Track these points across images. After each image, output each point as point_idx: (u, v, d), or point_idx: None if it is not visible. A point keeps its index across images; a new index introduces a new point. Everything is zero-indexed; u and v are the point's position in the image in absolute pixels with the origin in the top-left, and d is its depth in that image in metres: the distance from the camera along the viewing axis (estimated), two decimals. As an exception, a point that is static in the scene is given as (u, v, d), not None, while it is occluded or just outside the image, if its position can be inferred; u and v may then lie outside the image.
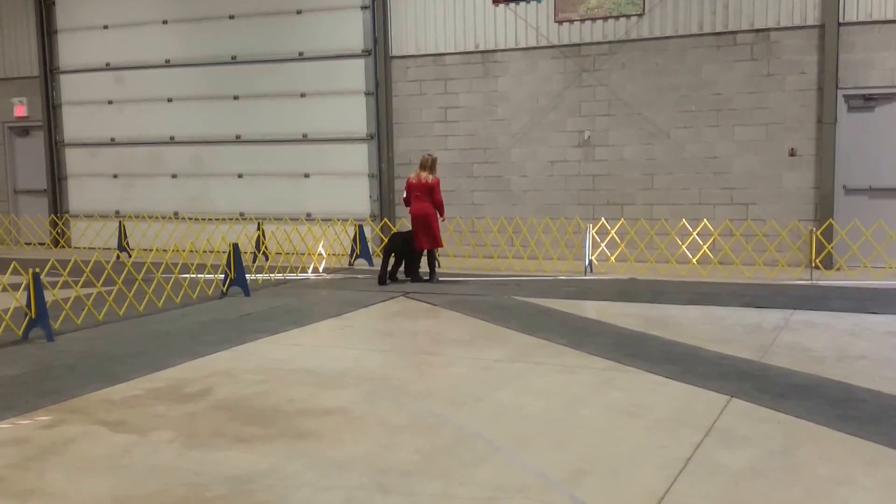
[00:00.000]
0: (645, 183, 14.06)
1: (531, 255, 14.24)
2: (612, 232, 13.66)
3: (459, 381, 7.06)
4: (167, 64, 17.49)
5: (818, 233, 12.33)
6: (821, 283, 11.68)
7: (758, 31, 13.18)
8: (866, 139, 12.78)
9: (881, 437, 5.44)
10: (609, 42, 14.10)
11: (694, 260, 13.12)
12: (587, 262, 13.08)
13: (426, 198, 12.07)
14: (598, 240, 13.78)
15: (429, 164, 12.14)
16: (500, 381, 7.02)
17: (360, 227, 14.91)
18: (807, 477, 4.84)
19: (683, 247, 13.22)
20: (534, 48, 14.63)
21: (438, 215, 12.23)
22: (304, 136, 16.49)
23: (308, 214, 16.39)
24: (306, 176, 16.60)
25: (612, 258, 13.78)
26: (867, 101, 12.69)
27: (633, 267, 13.32)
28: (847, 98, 12.75)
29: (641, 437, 5.58)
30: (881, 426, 5.66)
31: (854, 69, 12.66)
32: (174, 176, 17.79)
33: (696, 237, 13.17)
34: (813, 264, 12.26)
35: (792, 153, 13.04)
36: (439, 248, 12.68)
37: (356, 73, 15.94)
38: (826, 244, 12.38)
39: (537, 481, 4.85)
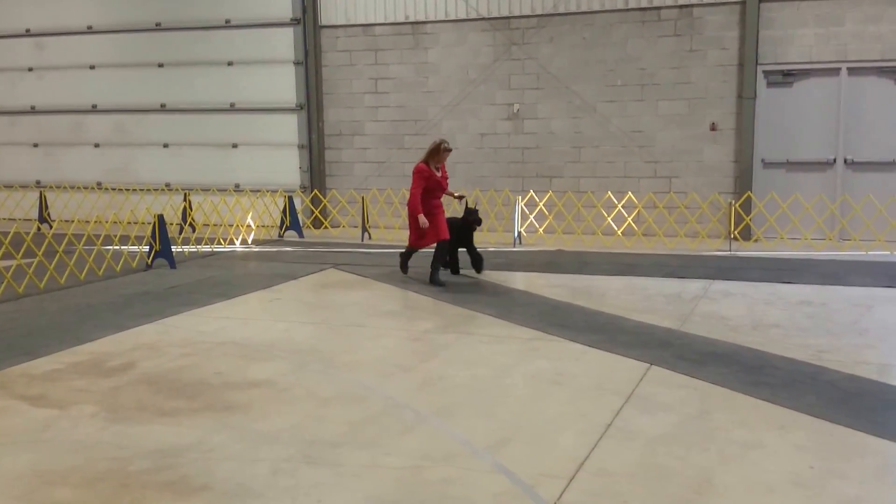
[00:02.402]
0: (573, 156, 14.26)
1: (461, 227, 14.32)
2: (541, 204, 13.83)
3: (388, 353, 7.12)
4: (89, 30, 16.93)
5: (737, 205, 12.71)
6: (739, 253, 12.06)
7: (681, 6, 13.42)
8: (784, 114, 13.18)
9: (793, 402, 5.70)
10: (538, 16, 14.18)
11: (619, 231, 13.39)
12: (516, 233, 13.24)
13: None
14: (527, 212, 13.94)
15: (427, 148, 10.36)
16: (428, 352, 7.10)
17: (290, 199, 14.77)
18: (721, 441, 5.05)
19: (609, 219, 13.47)
20: (464, 20, 14.62)
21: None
22: (232, 105, 16.20)
23: (236, 185, 16.15)
24: (234, 146, 16.33)
25: (541, 230, 13.97)
26: (786, 77, 13.07)
27: (560, 238, 13.53)
28: (766, 74, 13.11)
29: (564, 405, 5.73)
30: (793, 392, 5.92)
31: (773, 45, 13.01)
32: (97, 145, 17.31)
33: (622, 209, 13.43)
34: (732, 236, 12.65)
35: (713, 128, 13.37)
36: (420, 248, 10.53)
37: (285, 43, 15.69)
38: (744, 216, 12.78)
39: (463, 449, 4.95)
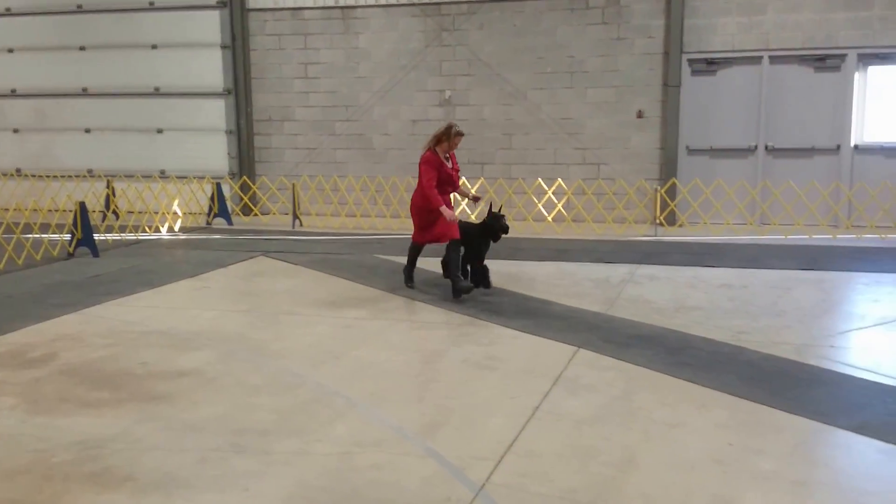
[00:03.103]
0: (504, 142, 14.35)
1: (394, 214, 14.32)
2: (473, 190, 13.87)
3: (319, 340, 7.08)
4: (8, 12, 16.33)
5: (662, 191, 12.99)
6: (664, 238, 12.33)
7: (610, -5, 13.61)
8: (708, 102, 13.49)
9: (713, 381, 5.87)
10: (468, 2, 14.20)
11: (549, 218, 13.56)
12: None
13: (415, 182, 8.82)
14: (459, 199, 13.98)
15: (435, 133, 8.60)
16: (360, 339, 7.09)
17: (218, 185, 14.54)
18: (644, 420, 5.18)
19: (540, 205, 13.62)
20: (394, 5, 14.56)
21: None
22: (157, 89, 15.83)
23: (162, 172, 15.80)
24: (159, 131, 15.97)
25: (473, 216, 14.01)
26: (709, 65, 13.37)
27: (491, 225, 13.59)
28: (691, 62, 13.39)
29: (494, 389, 5.80)
30: (713, 372, 6.10)
31: (697, 34, 13.29)
32: (16, 131, 16.74)
33: (552, 196, 13.59)
34: (657, 221, 12.93)
35: (640, 115, 13.61)
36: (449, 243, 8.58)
37: (211, 25, 15.39)
38: (669, 202, 13.07)
39: (393, 435, 4.96)
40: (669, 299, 8.42)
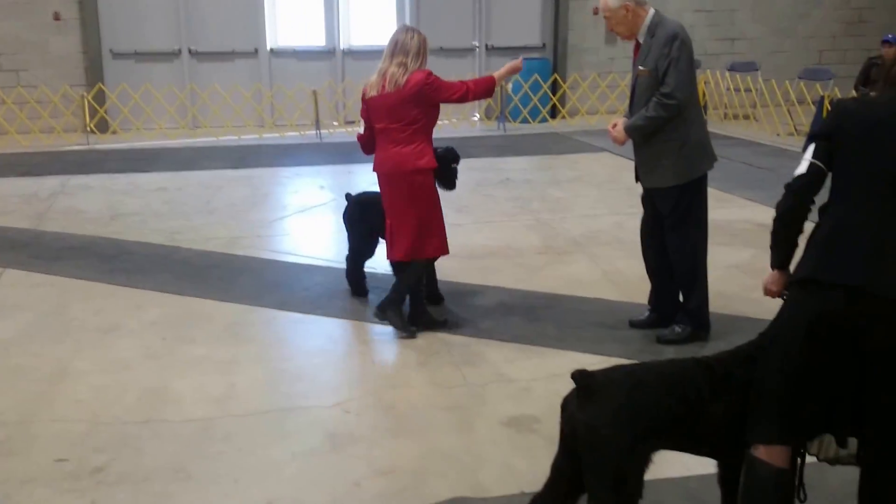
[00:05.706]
0: None
1: None
2: None
3: None
4: None
5: (90, 97, 12.45)
6: (98, 146, 11.91)
7: None
8: (128, 4, 13.10)
9: (148, 283, 6.04)
10: None
11: (-39, 131, 12.09)
12: None
13: (405, 131, 4.88)
14: None
15: (412, 47, 4.83)
16: None
17: None
18: (77, 331, 5.15)
19: (-53, 117, 12.03)
20: None
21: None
22: None
23: None
24: None
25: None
26: (125, -33, 12.95)
27: None
28: (106, -38, 12.82)
29: None
30: (148, 273, 6.26)
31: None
32: None
33: (-40, 107, 12.09)
34: (88, 129, 12.41)
35: (56, 17, 12.67)
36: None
37: None
38: (98, 108, 12.58)
39: None
40: (104, 208, 8.30)
